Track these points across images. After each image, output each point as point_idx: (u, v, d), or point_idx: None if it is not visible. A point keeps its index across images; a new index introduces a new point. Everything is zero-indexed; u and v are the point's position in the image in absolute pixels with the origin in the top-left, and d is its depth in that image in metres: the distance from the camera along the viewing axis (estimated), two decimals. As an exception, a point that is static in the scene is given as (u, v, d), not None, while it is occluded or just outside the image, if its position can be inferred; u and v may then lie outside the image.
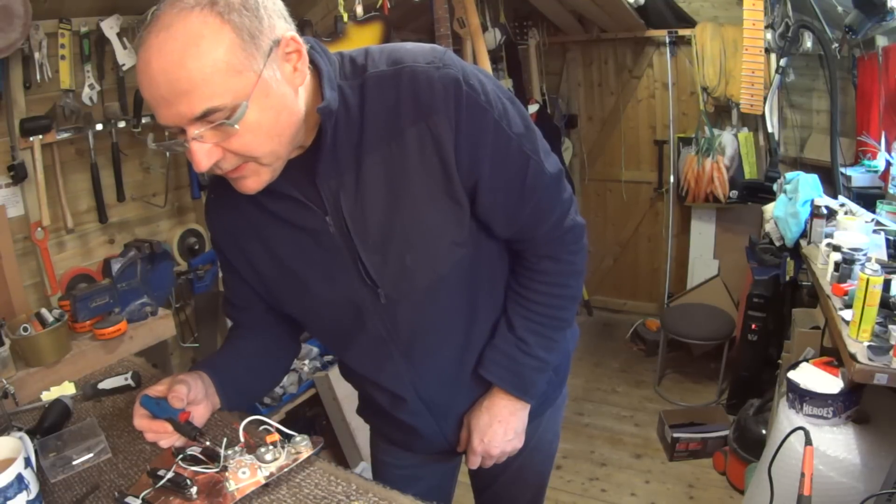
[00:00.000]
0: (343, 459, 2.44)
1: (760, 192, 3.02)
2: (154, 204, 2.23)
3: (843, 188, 2.51)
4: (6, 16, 1.55)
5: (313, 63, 0.84)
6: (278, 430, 1.01)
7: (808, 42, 2.77)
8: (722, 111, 3.32)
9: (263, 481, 0.96)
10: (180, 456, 0.97)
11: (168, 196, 2.25)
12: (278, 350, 1.14)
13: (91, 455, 1.09)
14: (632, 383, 3.29)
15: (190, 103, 0.72)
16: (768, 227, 2.59)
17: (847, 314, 1.56)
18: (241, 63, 0.73)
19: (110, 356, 1.65)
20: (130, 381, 1.35)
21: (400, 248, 0.90)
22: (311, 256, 0.94)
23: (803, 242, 2.25)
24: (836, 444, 1.56)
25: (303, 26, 2.41)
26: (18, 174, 1.75)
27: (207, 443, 0.93)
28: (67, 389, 1.36)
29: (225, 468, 0.96)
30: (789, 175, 2.51)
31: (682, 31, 3.29)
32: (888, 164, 2.36)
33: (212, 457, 0.98)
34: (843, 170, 2.57)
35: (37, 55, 1.75)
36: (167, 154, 2.17)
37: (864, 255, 1.75)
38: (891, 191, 2.26)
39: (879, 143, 2.46)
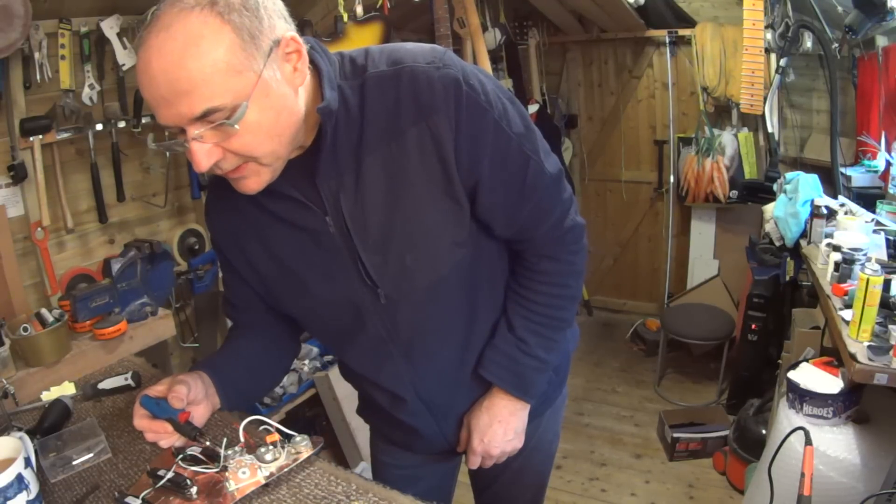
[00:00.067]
0: (343, 459, 2.44)
1: (760, 192, 3.02)
2: (154, 204, 2.23)
3: (843, 188, 2.51)
4: (6, 16, 1.55)
5: (313, 63, 0.84)
6: (278, 430, 1.01)
7: (808, 42, 2.77)
8: (722, 111, 3.32)
9: (263, 481, 0.96)
10: (180, 456, 0.97)
11: (168, 196, 2.25)
12: (278, 350, 1.14)
13: (91, 455, 1.09)
14: (632, 383, 3.29)
15: (190, 103, 0.72)
16: (768, 227, 2.59)
17: (847, 314, 1.56)
18: (241, 63, 0.73)
19: (110, 356, 1.65)
20: (130, 381, 1.35)
21: (400, 248, 0.90)
22: (311, 257, 0.94)
23: (803, 242, 2.25)
24: (836, 444, 1.56)
25: (303, 26, 2.41)
26: (18, 174, 1.75)
27: (207, 443, 0.93)
28: (67, 389, 1.36)
29: (225, 468, 0.96)
30: (789, 175, 2.51)
31: (682, 31, 3.29)
32: (888, 164, 2.36)
33: (212, 457, 0.98)
34: (843, 170, 2.57)
35: (37, 55, 1.75)
36: (167, 154, 2.17)
37: (864, 255, 1.74)
38: (891, 191, 2.26)
39: (879, 143, 2.46)
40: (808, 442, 1.14)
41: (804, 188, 2.31)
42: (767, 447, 1.82)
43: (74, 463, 1.07)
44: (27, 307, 1.75)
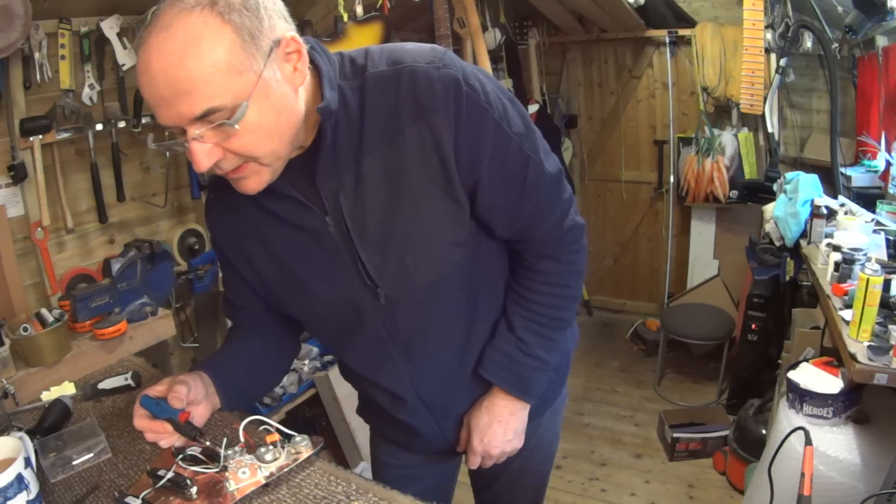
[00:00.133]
0: (343, 459, 2.44)
1: (760, 192, 3.02)
2: (154, 204, 2.23)
3: (843, 188, 2.51)
4: (6, 16, 1.55)
5: (313, 63, 0.84)
6: (278, 430, 1.01)
7: (808, 42, 2.78)
8: (722, 111, 3.32)
9: (263, 481, 0.96)
10: (180, 456, 0.97)
11: (168, 196, 2.25)
12: (278, 350, 1.14)
13: (91, 455, 1.09)
14: (632, 383, 3.29)
15: (190, 103, 0.72)
16: (768, 227, 2.59)
17: (847, 314, 1.56)
18: (241, 63, 0.72)
19: (110, 356, 1.65)
20: (130, 381, 1.35)
21: (400, 248, 0.90)
22: (311, 256, 0.94)
23: (803, 242, 2.26)
24: (836, 444, 1.56)
25: (303, 26, 2.41)
26: (18, 174, 1.75)
27: (207, 443, 0.93)
28: (67, 389, 1.36)
29: (225, 468, 0.96)
30: (789, 175, 2.51)
31: (682, 31, 3.29)
32: (888, 164, 2.36)
33: (212, 457, 0.98)
34: (843, 170, 2.57)
35: (37, 55, 1.74)
36: (167, 154, 2.17)
37: (864, 255, 1.75)
38: (891, 191, 2.26)
39: (879, 143, 2.46)
40: (808, 442, 1.14)
41: (804, 188, 2.32)
42: (767, 447, 1.82)
43: (74, 463, 1.07)
44: (27, 307, 1.75)
